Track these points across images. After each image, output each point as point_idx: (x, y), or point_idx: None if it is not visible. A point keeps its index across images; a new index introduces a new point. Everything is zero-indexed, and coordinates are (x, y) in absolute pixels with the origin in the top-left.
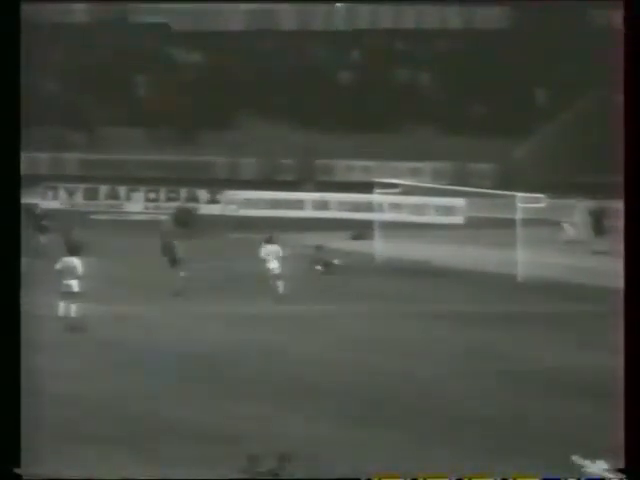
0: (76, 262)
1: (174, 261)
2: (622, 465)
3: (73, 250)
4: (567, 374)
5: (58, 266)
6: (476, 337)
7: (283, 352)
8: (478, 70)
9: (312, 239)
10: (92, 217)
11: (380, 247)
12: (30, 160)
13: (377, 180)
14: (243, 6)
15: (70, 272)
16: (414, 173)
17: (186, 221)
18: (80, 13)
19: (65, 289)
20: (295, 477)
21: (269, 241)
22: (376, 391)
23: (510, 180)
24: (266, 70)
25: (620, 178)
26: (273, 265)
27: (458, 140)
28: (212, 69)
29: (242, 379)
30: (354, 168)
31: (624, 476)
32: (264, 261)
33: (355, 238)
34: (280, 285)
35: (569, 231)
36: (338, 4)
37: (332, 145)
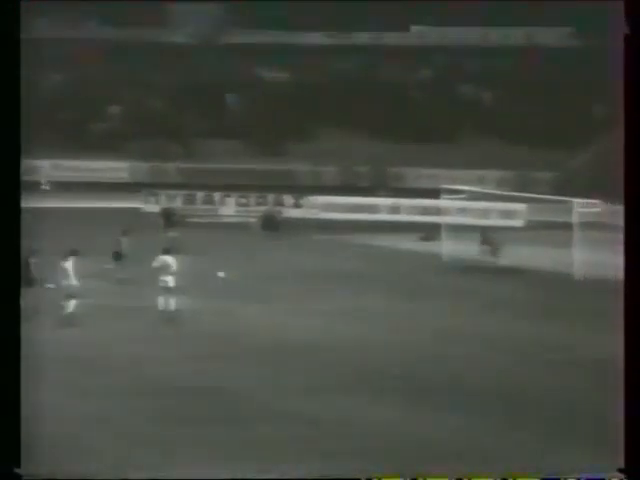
0: (170, 260)
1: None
2: (622, 465)
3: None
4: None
5: (155, 264)
6: (536, 330)
7: (365, 345)
8: (538, 86)
9: (385, 240)
10: (190, 220)
11: (447, 247)
12: (134, 169)
13: (445, 187)
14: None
15: (166, 269)
16: (479, 181)
17: (272, 224)
18: (180, 36)
19: (162, 284)
20: (295, 477)
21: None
22: (449, 379)
23: (568, 187)
24: (344, 86)
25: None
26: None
27: (520, 150)
28: (295, 86)
29: (332, 370)
30: (423, 176)
31: (624, 476)
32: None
33: (424, 239)
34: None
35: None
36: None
37: (404, 154)
